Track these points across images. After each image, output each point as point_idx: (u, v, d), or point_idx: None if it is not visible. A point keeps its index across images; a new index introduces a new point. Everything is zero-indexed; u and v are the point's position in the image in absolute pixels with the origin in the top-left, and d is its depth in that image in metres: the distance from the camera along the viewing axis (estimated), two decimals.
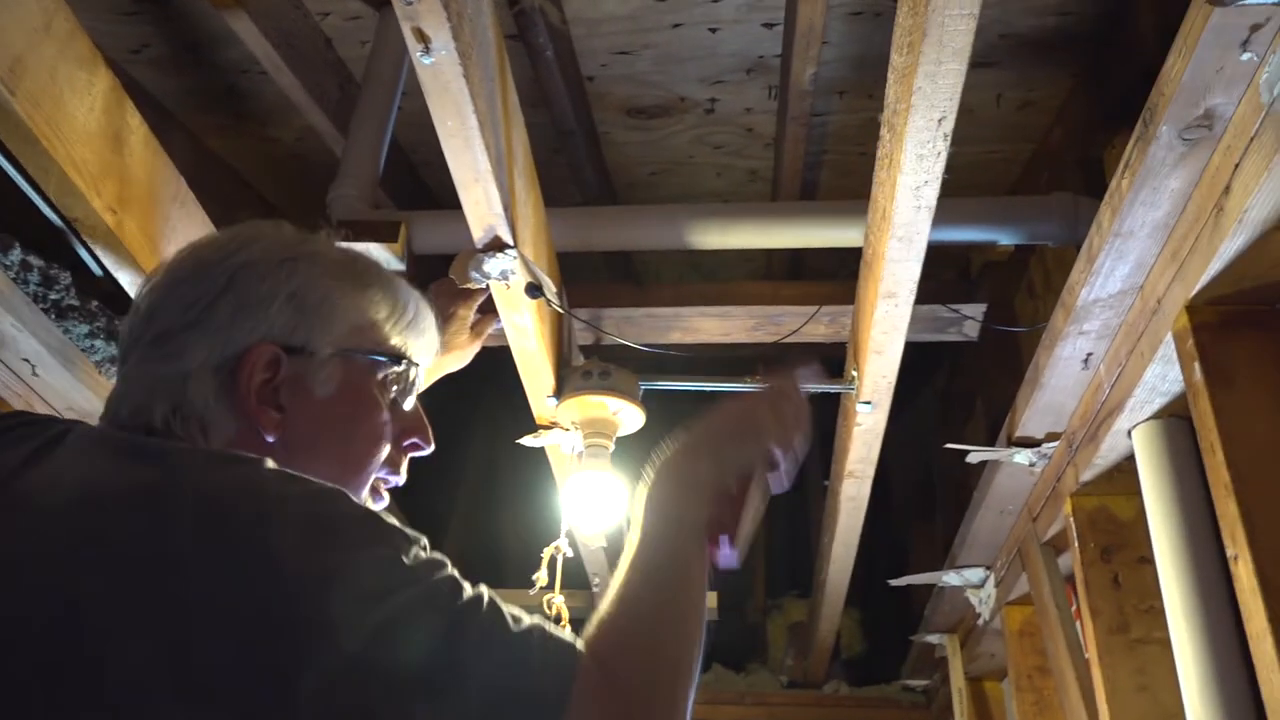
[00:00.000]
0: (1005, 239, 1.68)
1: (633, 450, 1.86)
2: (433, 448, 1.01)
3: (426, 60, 1.10)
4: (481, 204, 1.29)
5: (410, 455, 1.00)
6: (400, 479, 0.99)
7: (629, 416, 1.63)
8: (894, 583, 2.30)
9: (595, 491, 1.58)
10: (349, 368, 0.92)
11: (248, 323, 0.89)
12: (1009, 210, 1.69)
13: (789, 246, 1.80)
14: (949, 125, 1.17)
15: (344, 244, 1.04)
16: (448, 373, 1.50)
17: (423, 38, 1.08)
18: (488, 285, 1.40)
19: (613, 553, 2.24)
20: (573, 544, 1.61)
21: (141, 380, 0.89)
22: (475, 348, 1.53)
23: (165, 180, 1.46)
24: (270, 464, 0.77)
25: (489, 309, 1.53)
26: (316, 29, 2.03)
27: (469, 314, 1.50)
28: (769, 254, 2.79)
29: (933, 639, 2.56)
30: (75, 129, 1.26)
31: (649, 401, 1.64)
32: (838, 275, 1.88)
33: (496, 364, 1.78)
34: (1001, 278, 2.45)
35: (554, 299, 1.46)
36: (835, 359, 1.88)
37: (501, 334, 1.77)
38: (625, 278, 2.84)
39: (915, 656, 2.77)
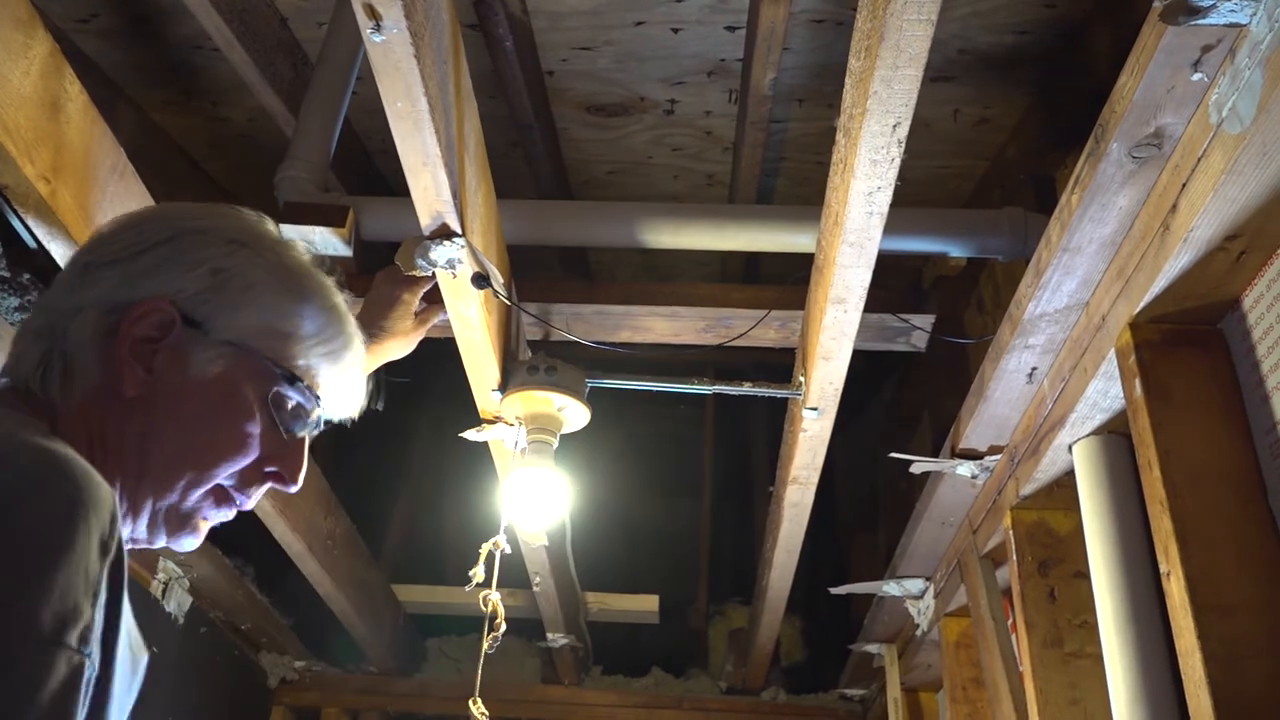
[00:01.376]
0: (956, 251, 1.68)
1: (576, 447, 1.84)
2: (296, 488, 0.92)
3: (377, 38, 1.08)
4: (430, 190, 1.27)
5: (270, 484, 0.91)
6: (248, 503, 0.91)
7: (574, 413, 1.61)
8: (835, 591, 2.30)
9: (537, 488, 1.56)
10: (238, 362, 0.87)
11: (162, 278, 0.87)
12: (960, 222, 1.70)
13: (742, 249, 1.79)
14: (903, 131, 1.17)
15: (309, 260, 0.97)
16: (390, 359, 1.48)
17: (374, 14, 1.05)
18: (434, 274, 1.37)
19: (554, 551, 2.21)
20: (512, 541, 1.59)
21: (32, 320, 0.88)
22: (419, 335, 1.50)
23: (104, 151, 1.41)
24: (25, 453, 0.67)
25: (437, 298, 1.50)
26: (272, 7, 1.99)
27: (413, 299, 1.48)
28: (724, 257, 2.80)
29: (871, 648, 2.57)
30: (9, 93, 1.22)
31: (595, 399, 1.62)
32: (787, 280, 1.88)
33: (442, 356, 1.76)
34: (952, 292, 2.47)
35: (501, 291, 1.44)
36: (785, 365, 1.88)
37: (448, 325, 1.74)
38: (580, 275, 2.82)
39: (854, 665, 2.78)
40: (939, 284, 2.52)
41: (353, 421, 1.04)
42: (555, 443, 1.60)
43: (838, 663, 3.00)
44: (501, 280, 1.43)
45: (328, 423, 0.99)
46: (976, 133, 2.24)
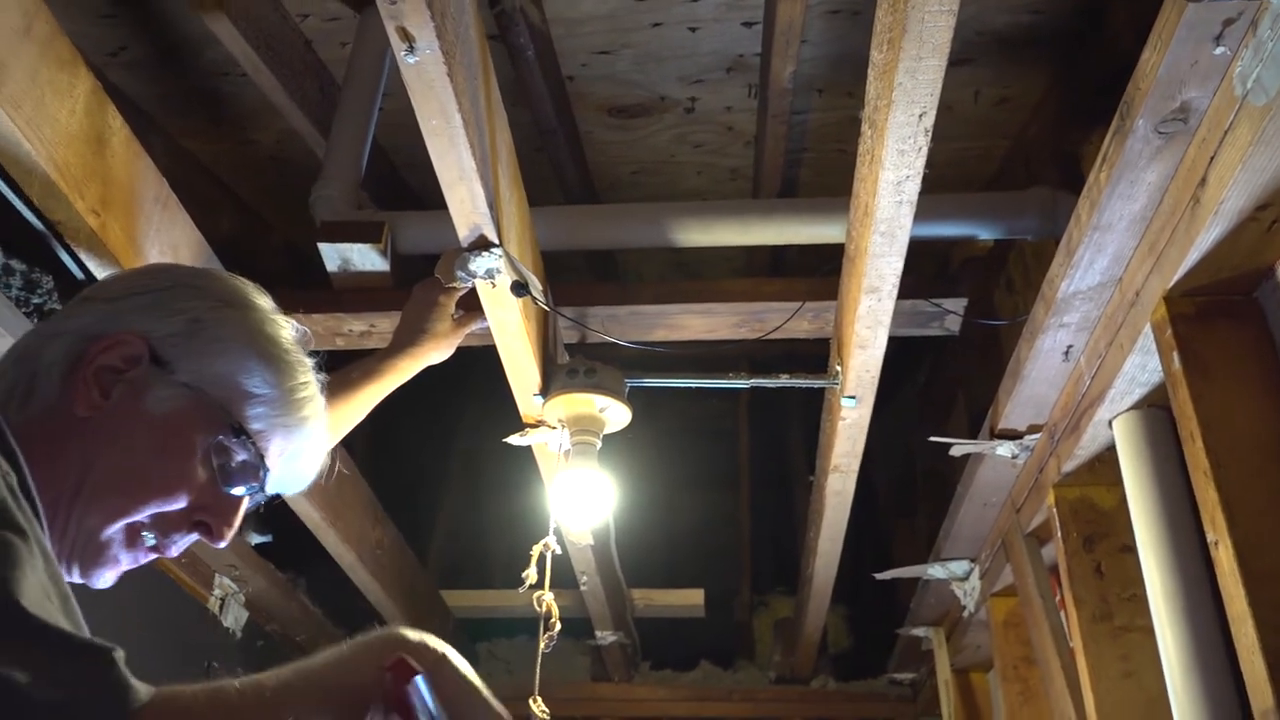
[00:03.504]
0: (985, 233, 1.69)
1: (612, 446, 1.86)
2: (223, 544, 0.92)
3: (411, 59, 1.10)
4: (466, 203, 1.30)
5: (194, 535, 0.91)
6: (168, 548, 0.90)
7: (615, 414, 1.63)
8: (879, 576, 2.31)
9: (583, 489, 1.58)
10: (193, 406, 0.89)
11: (144, 317, 0.90)
12: (988, 205, 1.71)
13: (771, 243, 1.80)
14: (929, 120, 1.18)
15: (293, 338, 0.99)
16: (429, 364, 1.51)
17: (407, 37, 1.08)
18: (473, 284, 1.40)
19: (599, 549, 2.24)
20: (560, 541, 1.62)
21: (19, 344, 0.91)
22: (457, 339, 1.53)
23: (147, 182, 1.45)
24: None
25: (474, 305, 1.53)
26: (296, 31, 2.03)
27: (449, 303, 1.51)
28: (749, 251, 2.81)
29: (918, 632, 2.58)
30: (58, 131, 1.26)
31: (635, 398, 1.64)
32: (818, 272, 1.90)
33: (480, 363, 1.78)
34: (981, 273, 2.47)
35: (540, 297, 1.46)
36: (818, 355, 1.90)
37: (487, 333, 1.77)
38: (608, 276, 2.85)
39: (901, 650, 2.79)
40: (967, 265, 2.53)
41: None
42: (599, 444, 1.62)
43: (884, 648, 3.01)
44: (540, 287, 1.46)
45: (268, 496, 0.98)
46: (998, 113, 2.25)
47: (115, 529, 0.86)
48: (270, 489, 0.97)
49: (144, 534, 0.88)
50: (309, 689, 0.76)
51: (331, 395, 1.33)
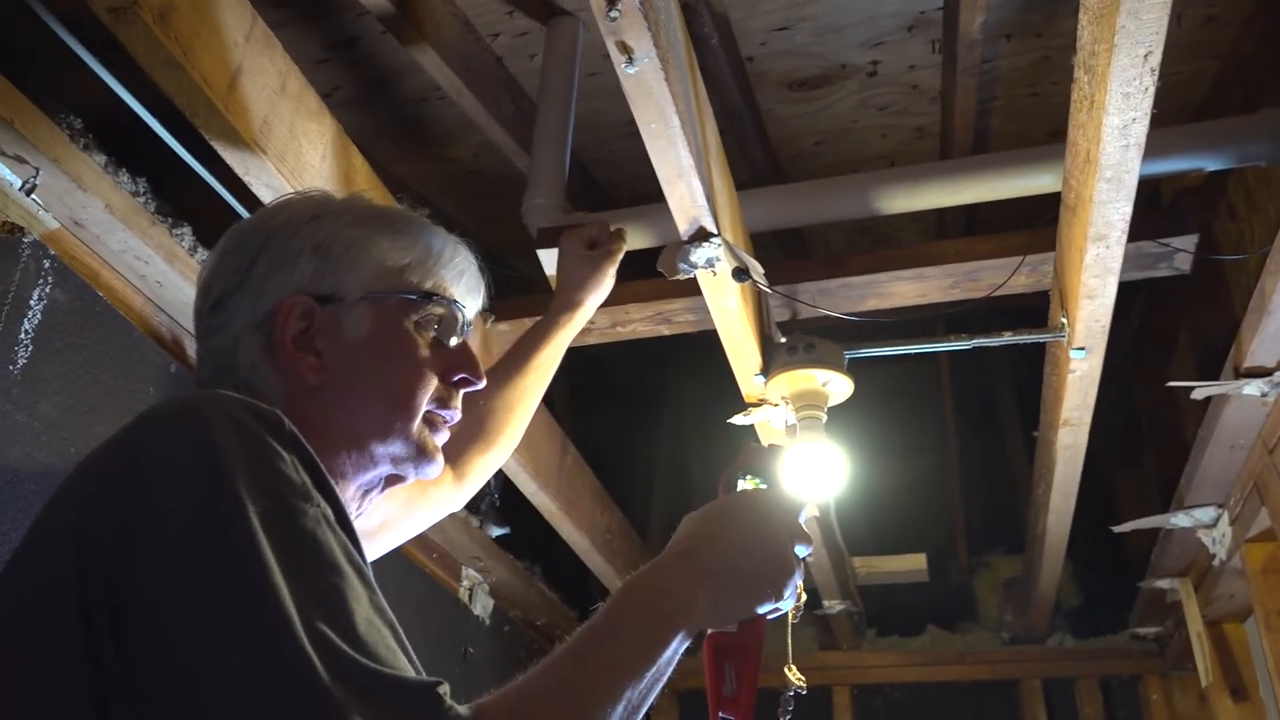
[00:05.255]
0: (1213, 164, 1.61)
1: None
2: (483, 382, 1.01)
3: (630, 70, 1.16)
4: (685, 198, 1.35)
5: (463, 390, 1.00)
6: (454, 414, 0.99)
7: (838, 386, 1.65)
8: (1118, 529, 2.24)
9: (815, 462, 1.61)
10: (379, 309, 0.95)
11: (280, 278, 0.94)
12: (1215, 134, 1.62)
13: (980, 200, 1.77)
14: (1155, 59, 1.14)
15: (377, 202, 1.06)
16: (596, 306, 1.52)
17: (625, 49, 1.14)
18: (694, 272, 1.45)
19: (826, 523, 2.27)
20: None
21: (204, 360, 0.97)
22: (609, 275, 1.53)
23: None
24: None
25: (604, 238, 1.56)
26: (489, 50, 2.14)
27: (578, 246, 1.54)
28: (940, 213, 2.75)
29: (1163, 584, 2.47)
30: (313, 176, 1.39)
31: (861, 370, 1.66)
32: (1015, 225, 1.85)
33: (676, 349, 1.84)
34: (1197, 204, 2.33)
35: (761, 280, 1.50)
36: (1016, 308, 1.84)
37: (688, 320, 1.83)
38: (797, 251, 2.85)
39: (1144, 603, 2.68)
40: (1181, 198, 2.39)
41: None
42: (824, 417, 1.65)
43: (1117, 603, 2.90)
44: (760, 270, 1.49)
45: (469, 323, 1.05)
46: (1204, 33, 2.12)
47: (414, 429, 0.94)
48: (470, 315, 1.04)
49: (434, 415, 0.97)
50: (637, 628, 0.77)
51: (508, 375, 1.39)
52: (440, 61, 1.93)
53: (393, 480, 0.97)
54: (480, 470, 1.35)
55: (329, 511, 0.73)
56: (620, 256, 1.55)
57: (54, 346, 1.39)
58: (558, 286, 1.54)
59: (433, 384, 0.96)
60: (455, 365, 0.99)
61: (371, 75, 2.24)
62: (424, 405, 0.95)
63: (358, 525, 0.86)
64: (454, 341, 1.00)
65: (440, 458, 0.98)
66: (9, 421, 1.29)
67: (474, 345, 1.03)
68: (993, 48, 2.16)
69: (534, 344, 1.42)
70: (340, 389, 0.92)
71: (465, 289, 1.03)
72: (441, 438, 0.98)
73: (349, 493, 0.94)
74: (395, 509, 1.21)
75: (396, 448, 0.93)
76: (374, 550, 1.23)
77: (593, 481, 2.37)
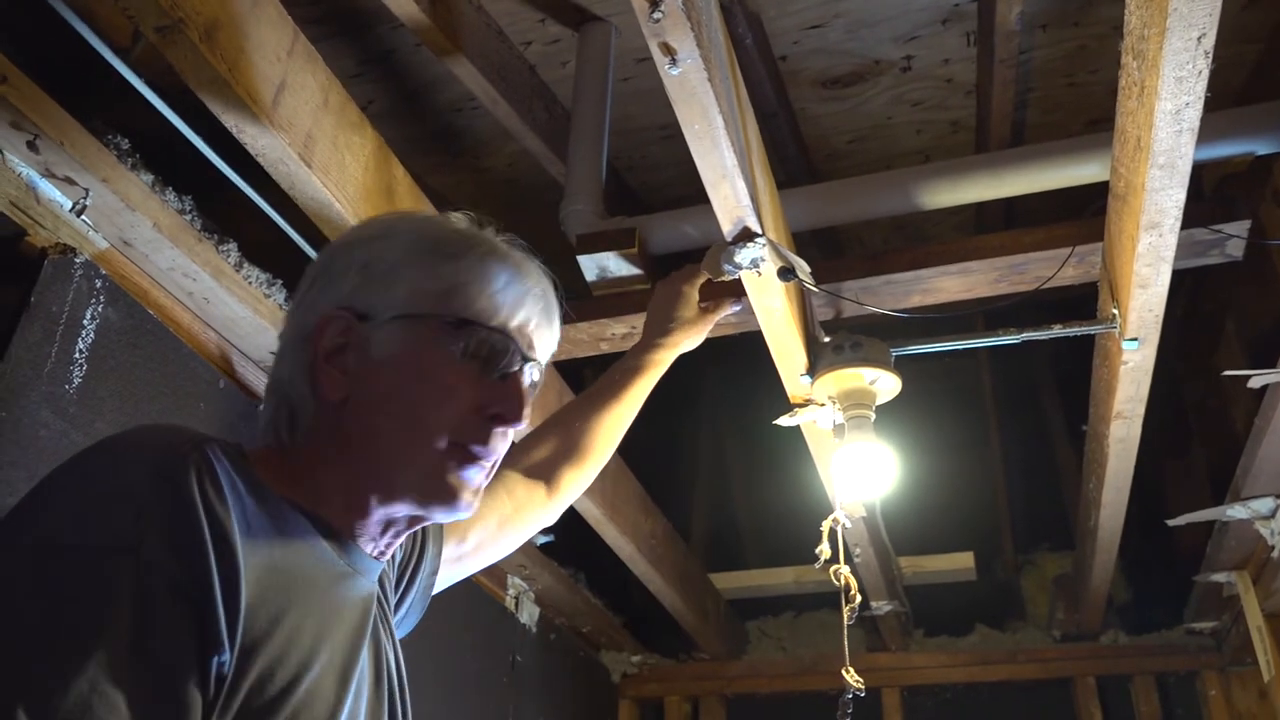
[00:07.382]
0: (1265, 148, 1.58)
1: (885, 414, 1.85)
2: (523, 423, 0.93)
3: (674, 71, 1.15)
4: (730, 198, 1.34)
5: (498, 428, 0.93)
6: (489, 453, 0.93)
7: (885, 384, 1.64)
8: (1172, 523, 2.20)
9: (865, 462, 1.60)
10: (411, 331, 0.91)
11: (327, 293, 0.94)
12: (1266, 117, 1.59)
13: (1024, 192, 1.75)
14: (1209, 42, 1.13)
15: (457, 225, 1.01)
16: (682, 351, 1.54)
17: (669, 50, 1.13)
18: (739, 275, 1.44)
19: (871, 523, 2.25)
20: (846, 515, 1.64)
21: (269, 385, 0.98)
22: (706, 326, 1.57)
23: None
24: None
25: (718, 292, 1.57)
26: (521, 58, 2.14)
27: (694, 292, 1.55)
28: (979, 206, 2.72)
29: (1219, 578, 2.42)
30: (356, 188, 1.39)
31: (900, 366, 1.64)
32: (1057, 218, 1.82)
33: (715, 350, 1.82)
34: (1242, 189, 2.29)
35: (808, 279, 1.49)
36: (1057, 301, 1.80)
37: (737, 320, 1.81)
38: (833, 251, 2.84)
39: (1199, 598, 2.63)
40: (1226, 183, 2.35)
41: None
42: (873, 415, 1.63)
43: (1170, 597, 2.85)
44: (806, 268, 1.48)
45: (542, 361, 0.99)
46: (1246, 16, 2.09)
47: (435, 452, 0.90)
48: (541, 351, 0.98)
49: (464, 448, 0.91)
50: None
51: (602, 400, 1.41)
52: (475, 71, 1.94)
53: (415, 521, 0.94)
54: (572, 487, 1.36)
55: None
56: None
57: (107, 365, 1.40)
58: (655, 317, 1.54)
59: (458, 414, 0.91)
60: (493, 399, 0.92)
61: (405, 88, 2.25)
62: (443, 433, 0.90)
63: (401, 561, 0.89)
64: (498, 373, 0.94)
65: (468, 500, 0.92)
66: (66, 440, 1.31)
67: (526, 381, 0.96)
68: (1029, 38, 2.13)
69: (626, 378, 1.45)
70: (362, 408, 0.90)
71: (525, 321, 0.96)
72: (473, 476, 0.92)
73: (369, 523, 0.91)
74: (487, 533, 1.21)
75: (413, 478, 0.90)
76: (465, 570, 1.24)
77: (636, 487, 2.37)
